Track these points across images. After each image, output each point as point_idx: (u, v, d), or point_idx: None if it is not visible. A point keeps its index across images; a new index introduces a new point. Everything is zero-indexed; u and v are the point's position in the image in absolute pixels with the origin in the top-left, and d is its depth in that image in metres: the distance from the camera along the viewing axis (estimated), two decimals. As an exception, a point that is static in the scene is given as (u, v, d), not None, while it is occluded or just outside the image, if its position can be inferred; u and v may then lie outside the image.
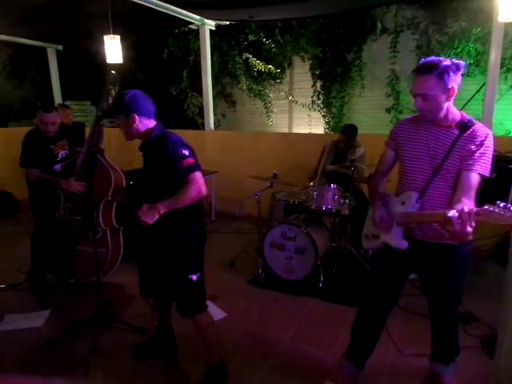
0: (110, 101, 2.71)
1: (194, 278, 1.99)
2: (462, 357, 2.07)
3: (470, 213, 1.34)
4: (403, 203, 1.75)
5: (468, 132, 1.64)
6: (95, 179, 2.68)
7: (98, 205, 3.03)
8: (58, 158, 3.12)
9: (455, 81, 1.60)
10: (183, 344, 2.51)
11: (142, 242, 2.18)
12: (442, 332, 2.00)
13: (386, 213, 1.82)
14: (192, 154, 1.89)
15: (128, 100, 1.90)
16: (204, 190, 1.86)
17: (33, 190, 3.13)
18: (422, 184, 1.73)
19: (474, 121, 1.67)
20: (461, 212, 1.36)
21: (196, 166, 1.86)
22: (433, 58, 1.63)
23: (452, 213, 1.38)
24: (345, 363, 2.13)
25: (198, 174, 1.84)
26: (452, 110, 1.68)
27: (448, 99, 1.63)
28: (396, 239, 1.73)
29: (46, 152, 3.06)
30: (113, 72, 2.55)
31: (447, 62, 1.58)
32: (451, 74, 1.58)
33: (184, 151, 1.84)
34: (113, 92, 2.76)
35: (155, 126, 1.97)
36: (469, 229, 1.36)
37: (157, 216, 1.80)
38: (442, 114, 1.67)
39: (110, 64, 3.99)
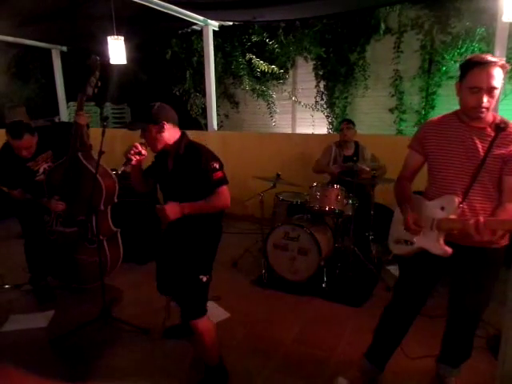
0: (91, 88, 2.65)
1: (204, 279, 2.00)
2: (466, 358, 2.06)
3: (484, 223, 1.43)
4: (442, 208, 1.65)
5: (505, 132, 1.58)
6: (83, 190, 2.51)
7: (90, 216, 2.87)
8: (39, 173, 2.88)
9: None
10: (182, 345, 2.51)
11: (161, 240, 2.23)
12: (460, 335, 1.96)
13: (418, 218, 1.71)
14: (221, 166, 1.97)
15: (156, 109, 1.94)
16: (229, 202, 1.97)
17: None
18: (462, 188, 1.64)
19: (507, 120, 1.61)
20: (476, 223, 1.44)
21: (224, 180, 1.97)
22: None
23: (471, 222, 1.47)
24: (364, 363, 2.10)
25: (225, 188, 1.96)
26: None
27: None
28: (438, 246, 1.63)
29: (24, 171, 2.80)
30: (95, 56, 2.53)
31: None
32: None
33: (215, 164, 1.94)
34: (93, 79, 2.69)
35: (181, 137, 2.01)
36: (485, 237, 1.45)
37: (179, 214, 1.85)
38: None
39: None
